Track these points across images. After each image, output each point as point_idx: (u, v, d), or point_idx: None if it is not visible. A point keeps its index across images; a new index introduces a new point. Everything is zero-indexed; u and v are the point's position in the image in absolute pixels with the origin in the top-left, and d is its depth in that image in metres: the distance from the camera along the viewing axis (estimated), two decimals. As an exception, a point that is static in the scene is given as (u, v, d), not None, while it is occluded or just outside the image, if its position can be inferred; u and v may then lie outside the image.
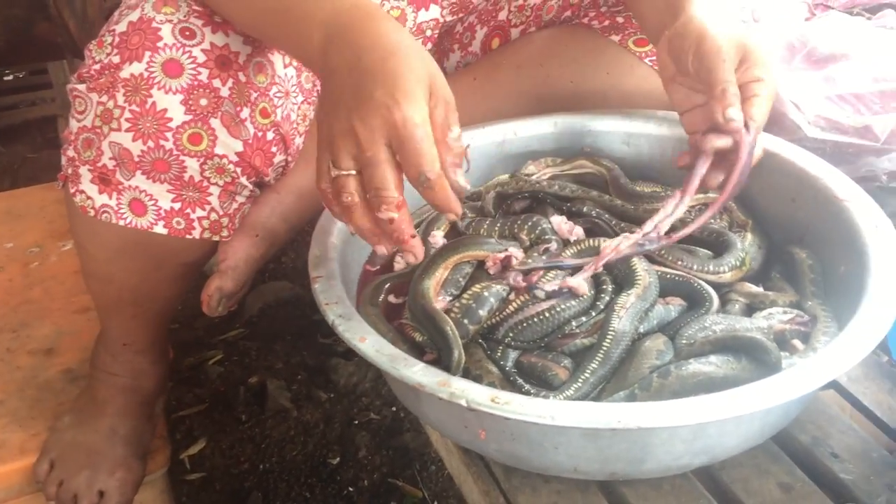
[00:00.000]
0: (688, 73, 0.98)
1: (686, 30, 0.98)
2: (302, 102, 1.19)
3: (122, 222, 1.09)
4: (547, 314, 0.96)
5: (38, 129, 3.01)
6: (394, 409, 1.96)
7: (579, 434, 0.83)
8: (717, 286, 1.01)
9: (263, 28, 1.00)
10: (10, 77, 3.17)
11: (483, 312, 0.97)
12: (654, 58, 1.27)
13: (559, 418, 0.77)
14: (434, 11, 1.29)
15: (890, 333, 0.88)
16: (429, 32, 1.31)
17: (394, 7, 1.25)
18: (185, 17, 1.03)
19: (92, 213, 1.09)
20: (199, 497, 1.83)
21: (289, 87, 1.15)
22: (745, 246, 1.05)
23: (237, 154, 1.09)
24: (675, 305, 0.99)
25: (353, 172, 0.82)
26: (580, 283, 0.96)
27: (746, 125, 0.93)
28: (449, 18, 1.33)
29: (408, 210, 0.83)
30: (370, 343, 0.87)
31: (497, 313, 0.97)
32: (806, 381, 0.79)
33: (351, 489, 1.83)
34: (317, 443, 1.93)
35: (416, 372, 0.83)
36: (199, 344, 2.19)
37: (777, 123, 1.27)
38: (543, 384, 0.93)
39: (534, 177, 1.17)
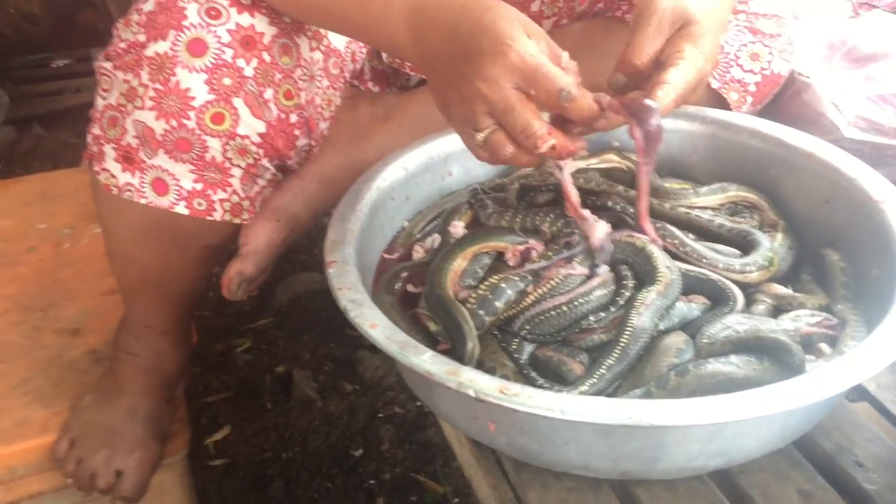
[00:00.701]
0: None
1: None
2: (328, 87, 1.19)
3: (143, 201, 1.09)
4: (565, 308, 0.94)
5: (81, 114, 3.04)
6: (418, 403, 1.95)
7: (591, 430, 0.81)
8: (743, 286, 0.98)
9: (339, 25, 1.03)
10: (62, 64, 3.22)
11: (500, 304, 0.95)
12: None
13: (568, 412, 0.75)
14: (464, 2, 1.28)
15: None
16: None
17: None
18: None
19: (115, 191, 1.09)
20: (221, 483, 1.84)
21: (314, 70, 1.15)
22: (774, 246, 1.02)
23: (259, 135, 1.08)
24: (697, 304, 0.96)
25: (495, 127, 0.84)
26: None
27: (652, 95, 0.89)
28: (480, 9, 1.31)
29: (557, 128, 0.85)
30: (381, 329, 0.85)
31: (514, 305, 0.96)
32: (828, 385, 0.76)
33: (372, 482, 1.83)
34: (340, 434, 1.93)
35: (426, 360, 0.81)
36: (229, 331, 2.20)
37: (815, 123, 1.24)
38: (558, 379, 0.91)
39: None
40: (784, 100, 1.31)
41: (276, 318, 2.23)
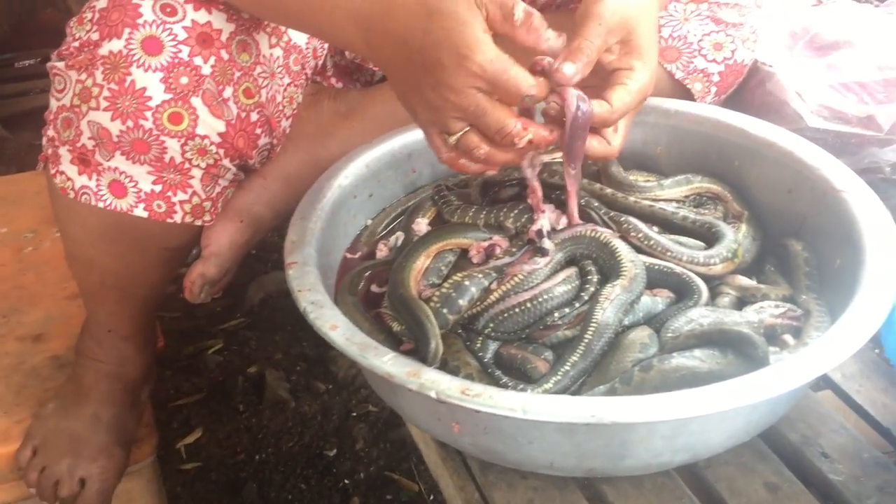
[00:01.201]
0: None
1: None
2: (289, 84, 1.17)
3: (101, 204, 1.07)
4: (529, 305, 0.93)
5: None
6: (391, 402, 1.93)
7: (554, 429, 0.80)
8: (707, 278, 0.97)
9: (295, 24, 1.02)
10: (26, 64, 3.16)
11: (463, 302, 0.94)
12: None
13: (531, 412, 0.74)
14: (427, -4, 1.26)
15: (884, 331, 0.85)
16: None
17: None
18: None
19: (72, 194, 1.07)
20: (193, 487, 1.82)
21: (275, 67, 1.13)
22: (739, 237, 1.01)
23: (219, 135, 1.06)
24: (662, 297, 0.96)
25: (468, 129, 0.84)
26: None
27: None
28: (443, 3, 1.30)
29: (531, 120, 0.85)
30: (341, 331, 0.84)
31: (478, 303, 0.95)
32: (790, 378, 0.76)
33: (347, 481, 1.81)
34: (314, 434, 1.91)
35: (386, 362, 0.80)
36: (200, 333, 2.18)
37: (779, 112, 1.23)
38: (523, 377, 0.90)
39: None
40: (748, 89, 1.31)
41: (248, 318, 2.21)
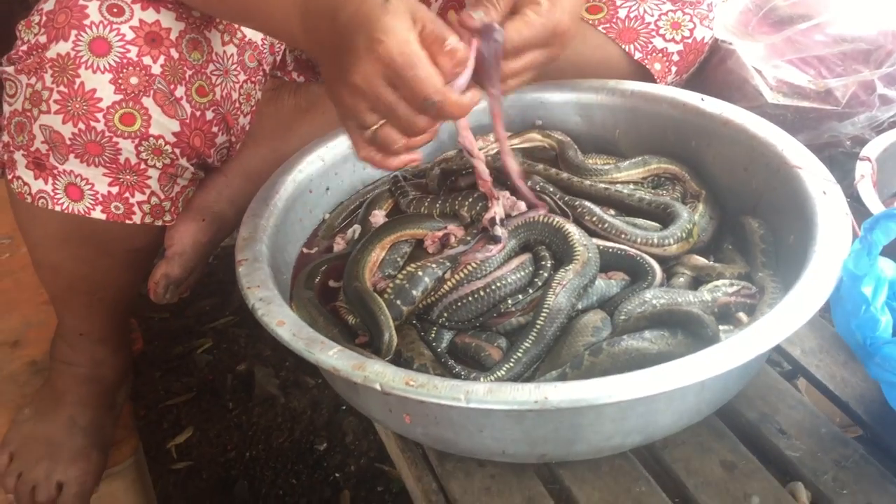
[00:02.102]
0: None
1: None
2: (245, 81, 1.16)
3: (58, 208, 1.07)
4: (482, 293, 0.93)
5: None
6: (380, 393, 1.93)
7: (503, 415, 0.80)
8: (663, 259, 0.97)
9: (243, 20, 1.01)
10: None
11: (417, 293, 0.94)
12: (608, 24, 1.23)
13: (474, 400, 0.74)
14: (386, -14, 1.26)
15: (833, 306, 0.84)
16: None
17: None
18: None
19: (29, 199, 1.07)
20: (185, 486, 1.82)
21: (229, 65, 1.12)
22: (694, 217, 1.00)
23: (174, 134, 1.06)
24: (616, 280, 0.95)
25: (382, 122, 0.81)
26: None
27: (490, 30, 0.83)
28: (403, -7, 1.29)
29: (441, 113, 0.80)
30: (288, 327, 0.84)
31: (432, 293, 0.94)
32: (733, 356, 0.75)
33: (337, 475, 1.81)
34: (304, 429, 1.91)
35: (332, 356, 0.80)
36: (189, 332, 2.18)
37: (740, 90, 1.22)
38: (478, 365, 0.90)
39: (480, 151, 1.13)
40: (710, 68, 1.29)
41: (237, 315, 2.21)
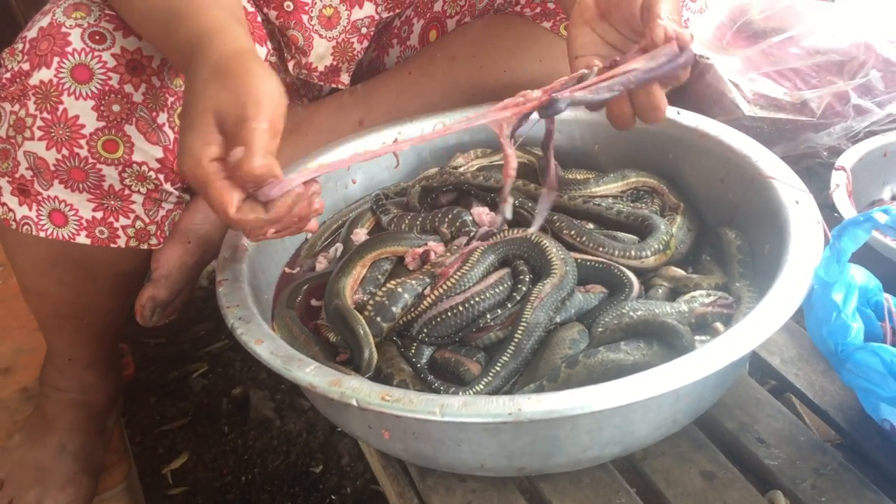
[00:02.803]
0: (613, 17, 0.90)
1: None
2: (227, 106, 1.17)
3: (42, 234, 1.08)
4: (461, 308, 0.93)
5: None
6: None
7: (480, 429, 0.80)
8: (640, 271, 0.97)
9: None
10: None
11: (397, 309, 0.94)
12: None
13: (448, 414, 0.75)
14: (368, 9, 1.28)
15: (806, 314, 0.85)
16: (364, 30, 1.29)
17: (326, 6, 1.24)
18: (95, 21, 1.02)
19: (14, 225, 1.08)
20: (180, 511, 1.82)
21: (210, 90, 1.14)
22: (672, 229, 1.01)
23: (157, 161, 1.07)
24: (595, 293, 0.96)
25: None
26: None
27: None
28: (385, 14, 1.31)
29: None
30: (266, 345, 0.85)
31: (412, 309, 0.95)
32: (704, 364, 0.76)
33: (334, 497, 1.81)
34: (300, 452, 1.91)
35: (309, 373, 0.81)
36: (184, 357, 2.18)
37: (718, 103, 1.23)
38: (457, 380, 0.91)
39: (461, 168, 1.14)
40: (689, 82, 1.30)
41: (233, 339, 2.21)
